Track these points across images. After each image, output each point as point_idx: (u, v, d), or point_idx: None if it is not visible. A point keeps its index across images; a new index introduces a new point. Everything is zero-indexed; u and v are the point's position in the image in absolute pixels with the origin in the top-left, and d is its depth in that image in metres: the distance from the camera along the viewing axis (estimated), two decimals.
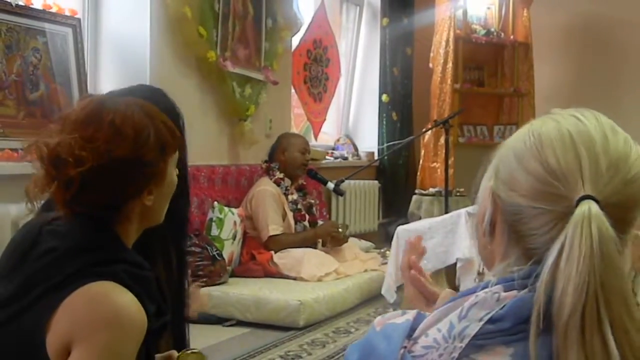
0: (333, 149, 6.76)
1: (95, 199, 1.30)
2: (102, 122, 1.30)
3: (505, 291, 0.88)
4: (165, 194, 1.42)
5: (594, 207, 0.84)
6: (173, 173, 1.43)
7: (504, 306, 0.87)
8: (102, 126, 1.29)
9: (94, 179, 1.27)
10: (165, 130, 1.38)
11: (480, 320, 0.87)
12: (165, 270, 1.77)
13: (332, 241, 4.91)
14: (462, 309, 0.89)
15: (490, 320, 0.87)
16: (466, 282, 4.04)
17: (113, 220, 1.34)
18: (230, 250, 4.41)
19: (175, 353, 1.56)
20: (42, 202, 1.41)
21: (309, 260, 4.47)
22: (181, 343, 1.86)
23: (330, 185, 5.05)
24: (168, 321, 1.40)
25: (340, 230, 4.91)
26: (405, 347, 0.90)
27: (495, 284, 0.90)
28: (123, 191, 1.32)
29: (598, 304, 0.81)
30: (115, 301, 1.21)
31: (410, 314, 0.95)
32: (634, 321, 0.83)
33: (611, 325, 0.81)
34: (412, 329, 0.92)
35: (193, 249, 4.07)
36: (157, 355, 1.50)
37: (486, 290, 0.89)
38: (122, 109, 1.33)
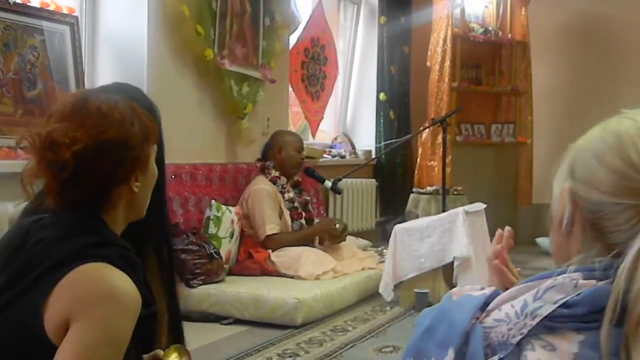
0: (330, 148, 6.76)
1: (86, 183, 1.33)
2: (89, 110, 1.35)
3: (584, 279, 0.90)
4: (148, 184, 1.47)
5: None
6: (154, 164, 1.48)
7: (580, 293, 0.88)
8: (90, 113, 1.35)
9: (87, 161, 1.31)
10: (146, 119, 1.43)
11: (555, 302, 0.88)
12: (158, 263, 1.78)
13: (330, 238, 4.91)
14: (538, 289, 0.91)
15: (565, 305, 0.88)
16: (463, 280, 4.05)
17: (101, 208, 1.37)
18: (227, 248, 4.41)
19: (160, 352, 1.57)
20: (32, 200, 1.44)
21: (307, 259, 4.48)
22: (178, 336, 1.86)
23: (328, 183, 5.05)
24: (156, 312, 1.42)
25: (337, 226, 4.91)
26: (477, 317, 0.93)
27: (574, 272, 0.91)
28: (112, 174, 1.36)
29: None
30: (110, 278, 1.25)
31: (488, 289, 0.98)
32: None
33: None
34: (487, 303, 0.94)
35: (190, 247, 4.07)
36: (145, 356, 1.51)
37: (564, 275, 0.91)
38: (106, 98, 1.39)
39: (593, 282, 0.89)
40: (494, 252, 1.30)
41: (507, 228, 1.33)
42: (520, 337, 0.89)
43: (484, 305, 0.94)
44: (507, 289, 1.23)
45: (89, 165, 1.32)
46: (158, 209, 1.65)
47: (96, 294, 1.22)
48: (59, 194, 1.33)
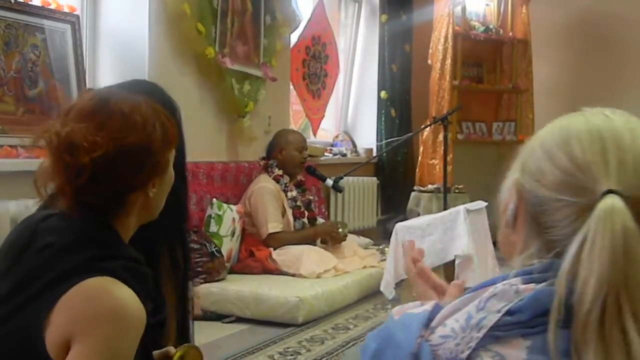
0: (332, 146, 6.76)
1: (103, 188, 1.29)
2: (111, 112, 1.31)
3: (523, 284, 0.89)
4: (164, 189, 1.43)
5: (618, 201, 0.84)
6: (172, 169, 1.44)
7: (522, 298, 0.87)
8: (112, 115, 1.30)
9: (105, 167, 1.27)
10: (168, 124, 1.39)
11: (498, 311, 0.87)
12: (172, 265, 1.77)
13: (331, 240, 4.91)
14: (480, 300, 0.90)
15: (509, 312, 0.87)
16: (465, 278, 4.05)
17: (113, 215, 1.34)
18: (229, 247, 4.42)
19: (172, 349, 1.55)
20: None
21: (308, 257, 4.48)
22: (185, 338, 1.86)
23: (329, 182, 5.05)
24: (165, 318, 1.40)
25: (340, 230, 4.92)
26: (422, 336, 0.91)
27: (514, 277, 0.90)
28: (132, 180, 1.32)
29: (619, 297, 0.81)
30: (114, 296, 1.20)
31: (429, 305, 0.96)
32: None
33: (634, 319, 0.81)
34: (430, 319, 0.93)
35: (192, 245, 4.07)
36: (155, 352, 1.50)
37: (505, 282, 0.90)
38: (128, 99, 1.35)
39: (532, 286, 0.88)
40: (412, 260, 1.30)
41: (410, 240, 1.34)
42: (469, 351, 0.87)
43: (428, 322, 0.92)
44: (437, 292, 1.24)
45: (107, 171, 1.28)
46: (176, 210, 1.61)
47: (99, 314, 1.18)
48: (73, 197, 1.30)
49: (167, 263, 1.73)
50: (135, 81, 1.90)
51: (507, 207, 0.99)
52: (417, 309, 0.96)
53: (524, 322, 0.86)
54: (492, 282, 0.92)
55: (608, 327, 0.81)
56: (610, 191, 0.85)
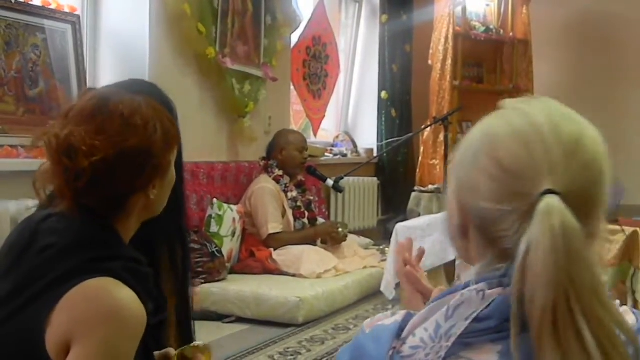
0: (332, 146, 6.76)
1: (103, 191, 1.29)
2: (111, 114, 1.30)
3: (489, 288, 0.88)
4: (166, 189, 1.42)
5: (555, 200, 0.83)
6: (173, 169, 1.44)
7: (490, 304, 0.87)
8: (112, 118, 1.29)
9: (105, 171, 1.26)
10: (169, 124, 1.38)
11: (467, 319, 0.87)
12: (171, 265, 1.77)
13: (332, 240, 4.91)
14: (447, 308, 0.89)
15: (477, 319, 0.87)
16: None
17: (113, 215, 1.33)
18: (229, 247, 4.42)
19: (172, 351, 1.55)
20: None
21: (308, 257, 4.48)
22: (187, 338, 1.86)
23: (330, 182, 5.05)
24: (166, 318, 1.40)
25: (340, 230, 4.92)
26: (394, 347, 0.91)
27: (479, 282, 0.89)
28: (132, 183, 1.31)
29: (569, 299, 0.80)
30: (114, 297, 1.20)
31: (399, 315, 0.95)
32: (607, 311, 0.82)
33: (585, 318, 0.80)
34: (401, 329, 0.92)
35: (192, 245, 4.07)
36: (156, 353, 1.50)
37: (470, 288, 0.89)
38: (129, 101, 1.33)
39: (499, 289, 0.87)
40: (404, 261, 1.30)
41: (407, 237, 1.34)
42: None
43: (399, 332, 0.92)
44: (423, 295, 1.23)
45: (106, 175, 1.27)
46: (175, 210, 1.61)
47: (100, 315, 1.18)
48: (73, 200, 1.29)
49: (167, 263, 1.73)
50: (132, 81, 1.89)
51: (453, 221, 0.97)
52: (388, 320, 0.95)
53: (492, 328, 0.86)
54: (456, 289, 0.91)
55: (562, 330, 0.80)
56: (546, 192, 0.84)
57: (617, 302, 0.91)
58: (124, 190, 1.32)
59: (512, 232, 0.86)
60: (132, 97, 1.35)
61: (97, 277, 1.22)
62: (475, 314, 0.87)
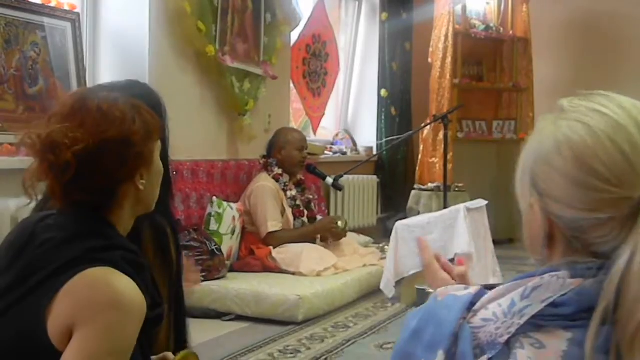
0: (332, 144, 6.76)
1: (90, 183, 1.32)
2: (89, 109, 1.34)
3: (571, 277, 0.88)
4: (154, 180, 1.45)
5: None
6: (159, 160, 1.46)
7: (568, 292, 0.87)
8: (90, 112, 1.33)
9: (89, 161, 1.29)
10: (149, 117, 1.42)
11: (543, 302, 0.88)
12: (163, 262, 1.77)
13: (332, 236, 4.91)
14: (525, 288, 0.90)
15: (553, 304, 0.88)
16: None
17: (107, 209, 1.36)
18: (229, 245, 4.42)
19: (170, 355, 1.56)
20: (38, 200, 1.43)
21: (308, 255, 4.48)
22: (182, 337, 1.86)
23: (329, 180, 5.05)
24: (163, 312, 1.41)
25: (339, 224, 4.91)
26: (464, 317, 0.92)
27: (561, 270, 0.90)
28: (116, 173, 1.34)
29: None
30: (115, 284, 1.23)
31: (473, 289, 0.96)
32: None
33: None
34: (473, 302, 0.93)
35: (192, 243, 4.07)
36: (153, 358, 1.51)
37: (552, 273, 0.90)
38: (106, 96, 1.38)
39: (580, 280, 0.88)
40: (434, 256, 1.29)
41: (419, 237, 1.33)
42: (508, 336, 0.88)
43: (471, 305, 0.93)
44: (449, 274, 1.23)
45: (91, 165, 1.30)
46: (163, 205, 1.63)
47: (100, 302, 1.21)
48: (63, 195, 1.32)
49: (158, 259, 1.74)
50: (129, 81, 1.92)
51: (538, 231, 0.95)
52: (461, 291, 0.97)
53: (567, 315, 0.86)
54: (535, 274, 0.91)
55: None
56: None
57: None
58: (110, 180, 1.35)
59: (611, 237, 0.86)
60: (109, 93, 1.40)
61: (97, 266, 1.25)
62: (552, 299, 0.88)
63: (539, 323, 0.88)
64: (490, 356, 0.89)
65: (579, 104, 0.93)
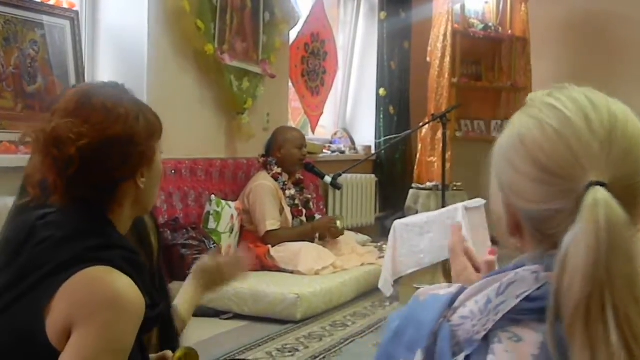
0: (330, 143, 6.76)
1: (92, 180, 1.32)
2: (94, 106, 1.34)
3: (544, 271, 0.90)
4: (154, 180, 1.45)
5: (601, 192, 0.84)
6: (160, 161, 1.46)
7: (542, 285, 0.89)
8: (95, 109, 1.33)
9: (92, 158, 1.30)
10: (152, 116, 1.42)
11: (517, 297, 0.89)
12: (143, 253, 1.76)
13: (330, 235, 4.92)
14: (500, 284, 0.91)
15: (528, 299, 0.89)
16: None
17: (107, 207, 1.36)
18: (227, 243, 4.42)
19: (169, 353, 1.56)
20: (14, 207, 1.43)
21: (306, 254, 4.48)
22: (170, 336, 1.86)
23: (328, 179, 5.05)
24: (162, 311, 1.41)
25: (337, 223, 4.92)
26: (445, 316, 0.93)
27: (535, 264, 0.91)
28: (118, 171, 1.35)
29: (603, 292, 0.81)
30: (114, 284, 1.23)
31: (454, 287, 0.98)
32: (638, 306, 0.82)
33: (615, 312, 0.81)
34: (453, 300, 0.95)
35: (190, 242, 4.08)
36: (152, 356, 1.51)
37: (525, 268, 0.91)
38: (111, 94, 1.38)
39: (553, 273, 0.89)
40: (460, 239, 1.30)
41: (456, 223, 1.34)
42: (485, 332, 0.89)
43: (451, 303, 0.94)
44: (476, 269, 1.24)
45: (93, 161, 1.30)
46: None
47: (99, 301, 1.21)
48: (65, 191, 1.32)
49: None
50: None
51: (505, 222, 0.98)
52: (442, 290, 0.98)
53: (542, 308, 0.87)
54: (511, 268, 0.93)
55: (593, 325, 0.81)
56: (591, 184, 0.85)
57: None
58: (112, 178, 1.35)
59: (564, 227, 0.87)
60: (114, 91, 1.40)
61: (96, 265, 1.25)
62: (526, 293, 0.89)
63: (515, 318, 0.89)
64: (467, 353, 0.90)
65: (538, 98, 0.96)
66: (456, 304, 0.94)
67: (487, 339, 0.89)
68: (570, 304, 0.83)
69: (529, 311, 0.88)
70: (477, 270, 1.28)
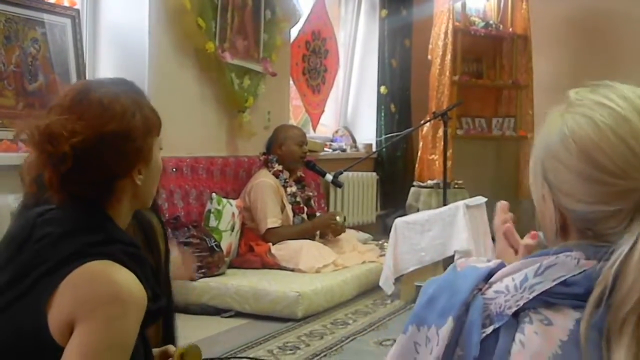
0: (331, 141, 6.75)
1: (88, 176, 1.32)
2: (90, 102, 1.34)
3: (586, 259, 0.90)
4: (153, 176, 1.44)
5: None
6: (159, 156, 1.46)
7: (581, 272, 0.89)
8: (91, 105, 1.33)
9: (87, 154, 1.29)
10: (149, 112, 1.41)
11: (554, 280, 0.89)
12: (150, 254, 1.76)
13: (331, 232, 4.92)
14: (540, 265, 0.91)
15: (564, 283, 0.89)
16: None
17: (105, 202, 1.36)
18: (228, 241, 4.42)
19: (172, 347, 1.56)
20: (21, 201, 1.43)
21: (307, 252, 4.48)
22: (170, 331, 1.86)
23: (329, 177, 5.05)
24: (164, 306, 1.41)
25: (338, 219, 4.91)
26: (480, 289, 0.94)
27: (577, 251, 0.91)
28: (114, 167, 1.34)
29: None
30: (115, 278, 1.23)
31: (493, 262, 0.98)
32: None
33: None
34: (490, 275, 0.95)
35: (191, 240, 4.07)
36: (155, 350, 1.51)
37: (567, 253, 0.91)
38: (107, 90, 1.37)
39: (594, 262, 0.89)
40: (504, 219, 1.30)
41: (503, 202, 1.33)
42: (516, 308, 0.90)
43: (488, 277, 0.95)
44: (516, 251, 1.25)
45: (89, 158, 1.30)
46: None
47: (101, 295, 1.21)
48: (61, 188, 1.32)
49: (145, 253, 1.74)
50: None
51: (551, 221, 0.98)
52: (481, 264, 0.99)
53: (577, 294, 0.88)
54: (553, 252, 0.93)
55: None
56: None
57: None
58: (109, 174, 1.34)
59: (621, 229, 0.87)
60: (110, 87, 1.39)
61: (97, 259, 1.25)
62: (564, 277, 0.89)
63: (549, 300, 0.89)
64: (497, 326, 0.91)
65: (585, 96, 0.95)
66: (493, 278, 0.95)
67: (517, 316, 0.90)
68: (626, 306, 0.82)
69: (564, 295, 0.89)
70: (518, 250, 1.28)
